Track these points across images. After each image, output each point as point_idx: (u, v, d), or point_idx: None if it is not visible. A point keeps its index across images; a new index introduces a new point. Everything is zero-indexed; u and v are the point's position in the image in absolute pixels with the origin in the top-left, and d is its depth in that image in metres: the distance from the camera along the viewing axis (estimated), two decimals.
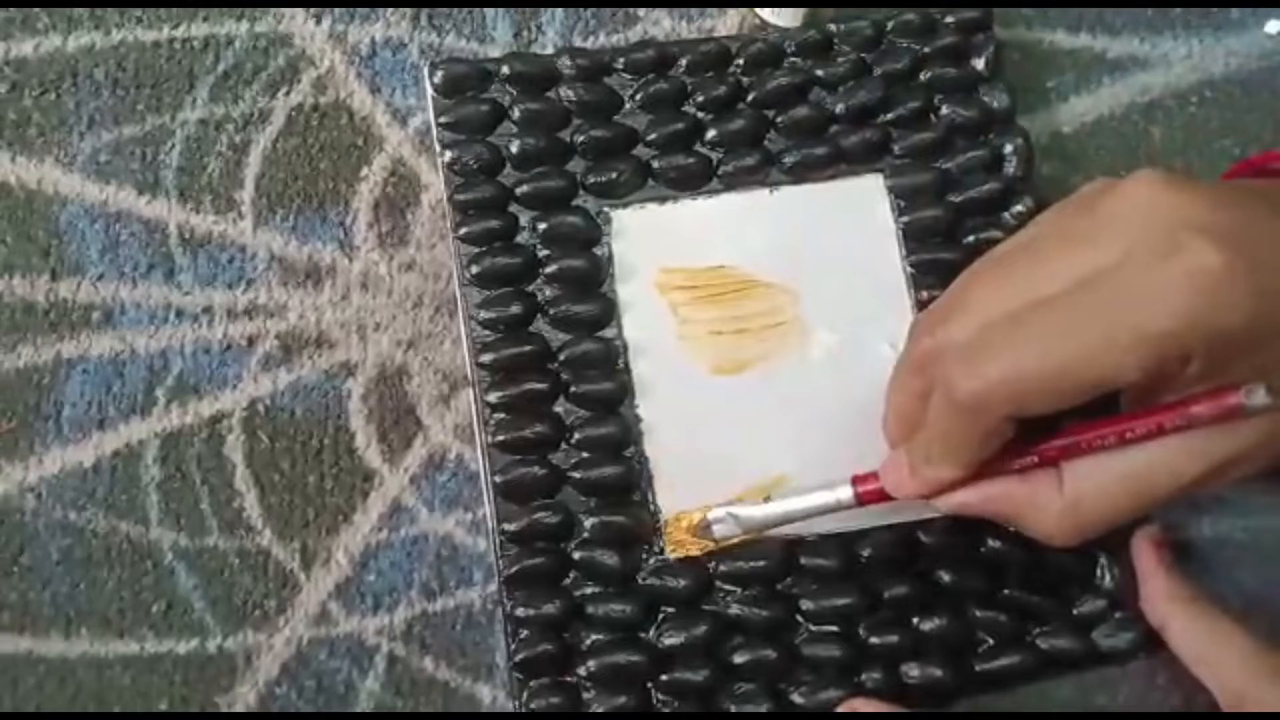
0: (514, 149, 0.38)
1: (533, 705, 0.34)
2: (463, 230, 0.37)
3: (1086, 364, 0.27)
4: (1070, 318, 0.27)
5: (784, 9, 0.41)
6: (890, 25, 0.41)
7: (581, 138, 0.38)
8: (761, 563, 0.35)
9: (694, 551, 0.35)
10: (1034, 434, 0.30)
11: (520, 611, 0.34)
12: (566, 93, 0.39)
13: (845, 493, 0.33)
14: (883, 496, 0.33)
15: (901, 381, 0.32)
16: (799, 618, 0.35)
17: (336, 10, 0.40)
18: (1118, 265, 0.27)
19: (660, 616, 0.35)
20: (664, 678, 0.34)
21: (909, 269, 0.38)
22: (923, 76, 0.40)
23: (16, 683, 0.34)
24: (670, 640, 0.34)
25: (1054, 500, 0.30)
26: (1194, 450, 0.29)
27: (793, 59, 0.40)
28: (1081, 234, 0.28)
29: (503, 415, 0.36)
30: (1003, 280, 0.29)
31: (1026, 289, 0.28)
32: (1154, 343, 0.26)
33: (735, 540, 0.35)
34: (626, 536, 0.35)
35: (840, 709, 0.34)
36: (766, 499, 0.34)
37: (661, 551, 0.35)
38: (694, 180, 0.39)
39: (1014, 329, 0.28)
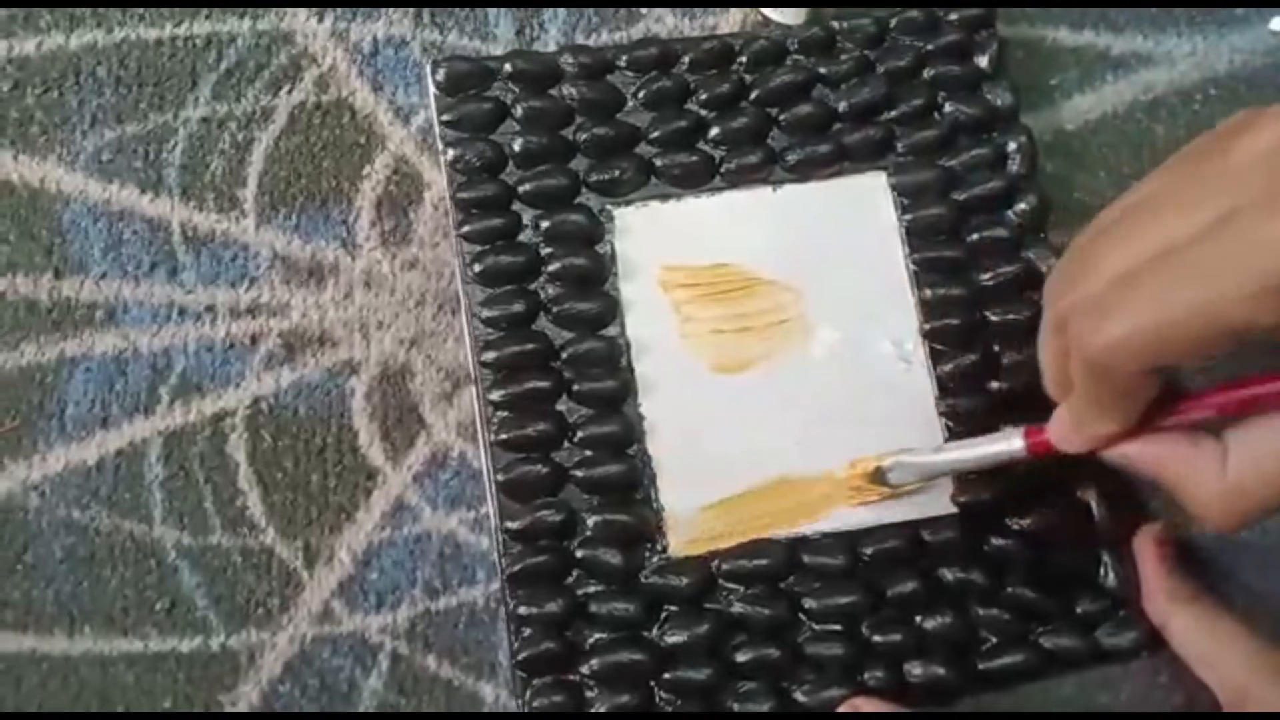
0: (516, 147, 0.38)
1: (535, 703, 0.34)
2: (465, 228, 0.37)
3: (1213, 312, 0.25)
4: (1195, 264, 0.26)
5: (787, 8, 0.40)
6: (893, 23, 0.41)
7: (584, 136, 0.38)
8: (764, 561, 0.35)
9: (870, 498, 0.36)
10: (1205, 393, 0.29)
11: (523, 610, 0.34)
12: (569, 91, 0.39)
13: (1017, 443, 0.32)
14: (1053, 448, 0.32)
15: (1046, 343, 0.31)
16: (802, 616, 0.35)
17: (338, 8, 0.40)
18: (1247, 209, 0.26)
19: (663, 615, 0.35)
20: (667, 676, 0.34)
21: (912, 267, 0.38)
22: (926, 74, 0.40)
23: (20, 681, 0.34)
24: (673, 639, 0.34)
25: (1216, 475, 0.29)
26: None
27: (796, 56, 0.40)
28: (1210, 177, 0.27)
29: (505, 413, 0.36)
30: (1131, 230, 0.28)
31: (1154, 237, 0.27)
32: None
33: (909, 488, 0.35)
34: (629, 535, 0.35)
35: (843, 708, 0.34)
36: (937, 449, 0.35)
37: (665, 549, 0.35)
38: (697, 178, 0.39)
39: (1139, 281, 0.27)
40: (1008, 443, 0.33)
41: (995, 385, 0.37)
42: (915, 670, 0.35)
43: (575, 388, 0.36)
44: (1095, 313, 0.28)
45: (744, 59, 0.40)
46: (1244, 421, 0.29)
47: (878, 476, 0.35)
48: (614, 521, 0.35)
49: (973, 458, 0.34)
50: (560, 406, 0.36)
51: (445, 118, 0.38)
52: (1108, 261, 0.28)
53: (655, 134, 0.39)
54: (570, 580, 0.35)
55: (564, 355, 0.36)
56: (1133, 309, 0.27)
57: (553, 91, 0.39)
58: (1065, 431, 0.31)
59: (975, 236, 0.39)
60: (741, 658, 0.34)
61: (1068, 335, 0.29)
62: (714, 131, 0.39)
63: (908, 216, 0.39)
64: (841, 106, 0.40)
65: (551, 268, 0.37)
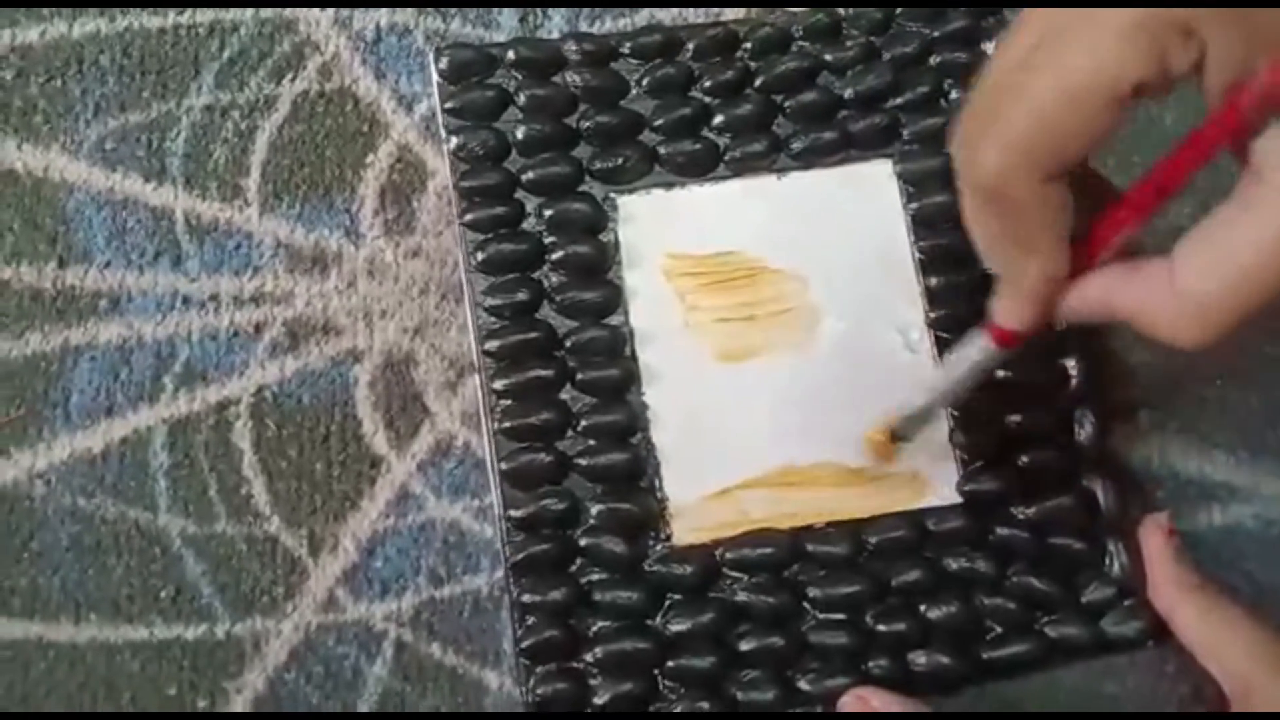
0: (520, 135, 0.38)
1: (539, 691, 0.34)
2: (469, 217, 0.37)
3: (1081, 79, 0.25)
4: (1051, 51, 0.26)
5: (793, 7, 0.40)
6: (899, 9, 0.40)
7: (587, 123, 0.38)
8: (769, 550, 0.35)
9: (889, 465, 0.36)
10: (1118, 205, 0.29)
11: (527, 598, 0.34)
12: (572, 78, 0.38)
13: (981, 341, 0.32)
14: (1010, 334, 0.31)
15: (965, 214, 0.30)
16: (806, 605, 0.35)
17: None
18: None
19: (667, 603, 0.35)
20: (670, 664, 0.34)
21: (918, 255, 0.38)
22: (932, 61, 0.40)
23: (27, 668, 0.34)
24: (677, 627, 0.34)
25: (1166, 288, 0.28)
26: None
27: (801, 43, 0.40)
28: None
29: (509, 402, 0.36)
30: (989, 67, 0.28)
31: (1010, 54, 0.27)
32: (1139, 26, 0.25)
33: (923, 432, 0.35)
34: (633, 523, 0.35)
35: (846, 697, 0.34)
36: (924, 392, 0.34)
37: (669, 538, 0.35)
38: (701, 166, 0.38)
39: (1002, 92, 0.27)
40: (974, 346, 0.32)
41: (1001, 374, 0.37)
42: (919, 659, 0.35)
43: (579, 376, 0.36)
44: (972, 141, 0.27)
45: (748, 46, 0.40)
46: (1185, 234, 0.28)
47: (895, 438, 0.35)
48: (617, 510, 0.35)
49: (955, 376, 0.33)
50: (564, 395, 0.36)
51: (448, 106, 0.38)
52: (973, 101, 0.28)
53: (659, 122, 0.38)
54: (574, 569, 0.35)
55: (567, 344, 0.36)
56: (1007, 111, 0.26)
57: (556, 79, 0.39)
58: (1011, 305, 0.30)
59: None
60: (745, 646, 0.34)
61: (963, 179, 0.28)
62: (718, 119, 0.39)
63: (914, 205, 0.39)
64: (847, 94, 0.39)
65: (555, 256, 0.37)
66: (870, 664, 0.34)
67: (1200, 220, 0.27)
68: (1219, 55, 0.25)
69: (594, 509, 0.35)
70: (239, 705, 0.34)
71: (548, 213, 0.37)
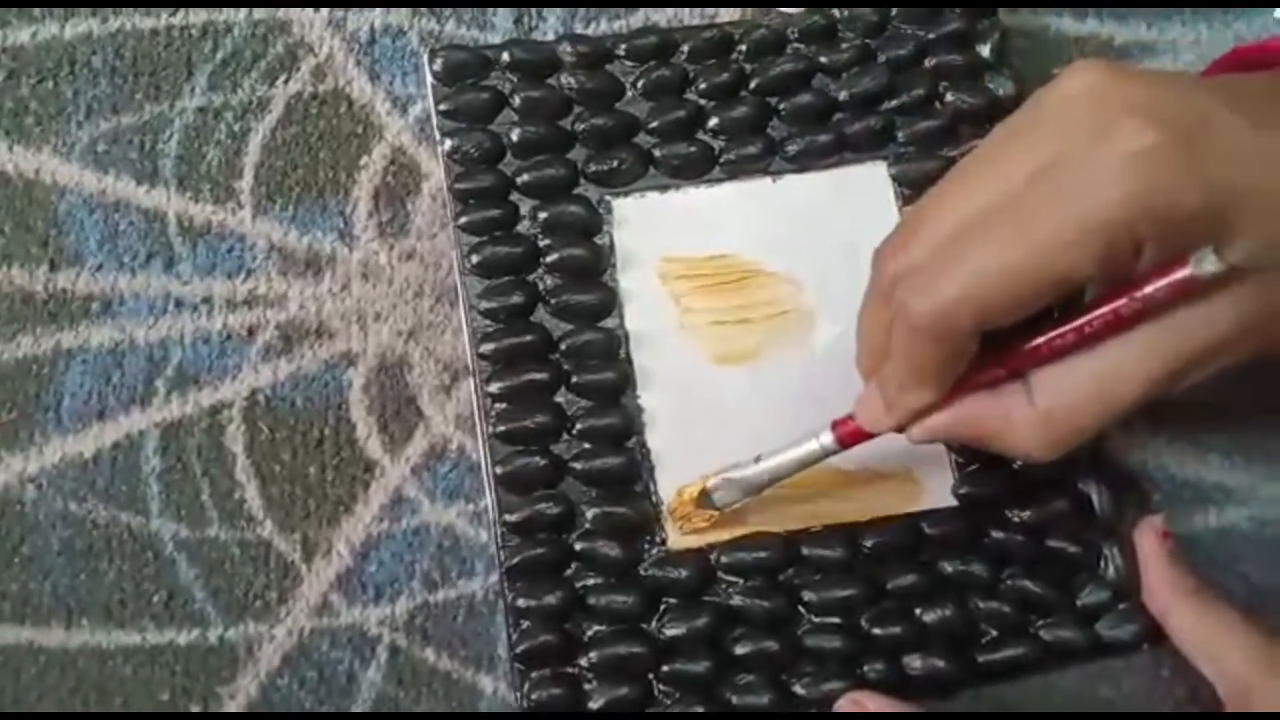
0: (514, 137, 0.38)
1: (534, 696, 0.34)
2: (463, 219, 0.37)
3: (1036, 265, 0.26)
4: (1016, 220, 0.26)
5: (792, 8, 0.40)
6: (894, 11, 0.40)
7: (582, 126, 0.38)
8: (763, 554, 0.35)
9: (701, 525, 0.35)
10: (1003, 347, 0.29)
11: (521, 602, 0.34)
12: (567, 80, 0.38)
13: (826, 438, 0.33)
14: (862, 435, 0.32)
15: (867, 312, 0.31)
16: (801, 609, 0.35)
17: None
18: (1059, 157, 0.26)
19: (662, 608, 0.35)
20: (665, 669, 0.34)
21: None
22: (927, 63, 0.40)
23: (18, 673, 0.34)
24: (672, 631, 0.34)
25: (1026, 415, 0.29)
26: (1161, 344, 0.27)
27: (796, 45, 0.40)
28: (1025, 131, 0.28)
29: (504, 405, 0.36)
30: (955, 193, 0.28)
31: (978, 198, 0.27)
32: (1100, 232, 0.25)
33: (736, 505, 0.35)
34: (628, 527, 0.35)
35: (842, 701, 0.34)
36: (757, 459, 0.34)
37: (664, 542, 0.35)
38: (696, 168, 0.38)
39: (964, 242, 0.27)
40: (818, 441, 0.33)
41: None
42: (915, 663, 0.34)
43: (574, 379, 0.36)
44: (924, 276, 0.28)
45: (744, 48, 0.40)
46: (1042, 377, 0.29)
47: (704, 501, 0.35)
48: (613, 514, 0.35)
49: (788, 461, 0.34)
50: (559, 398, 0.36)
51: (443, 107, 0.38)
52: (933, 226, 0.28)
53: (654, 124, 0.38)
54: (569, 573, 0.35)
55: (562, 347, 0.36)
56: (959, 271, 0.27)
57: (551, 81, 0.38)
58: (876, 411, 0.31)
59: None
60: (741, 650, 0.34)
61: (892, 303, 0.29)
62: (713, 121, 0.39)
63: (909, 207, 0.39)
64: (842, 96, 0.39)
65: (550, 259, 0.37)
66: (865, 668, 0.34)
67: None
68: (1152, 256, 0.26)
69: (589, 513, 0.35)
70: (232, 711, 0.34)
71: (542, 215, 0.37)
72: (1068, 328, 0.28)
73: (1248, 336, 0.27)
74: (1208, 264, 0.25)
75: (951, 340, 0.28)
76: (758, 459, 0.34)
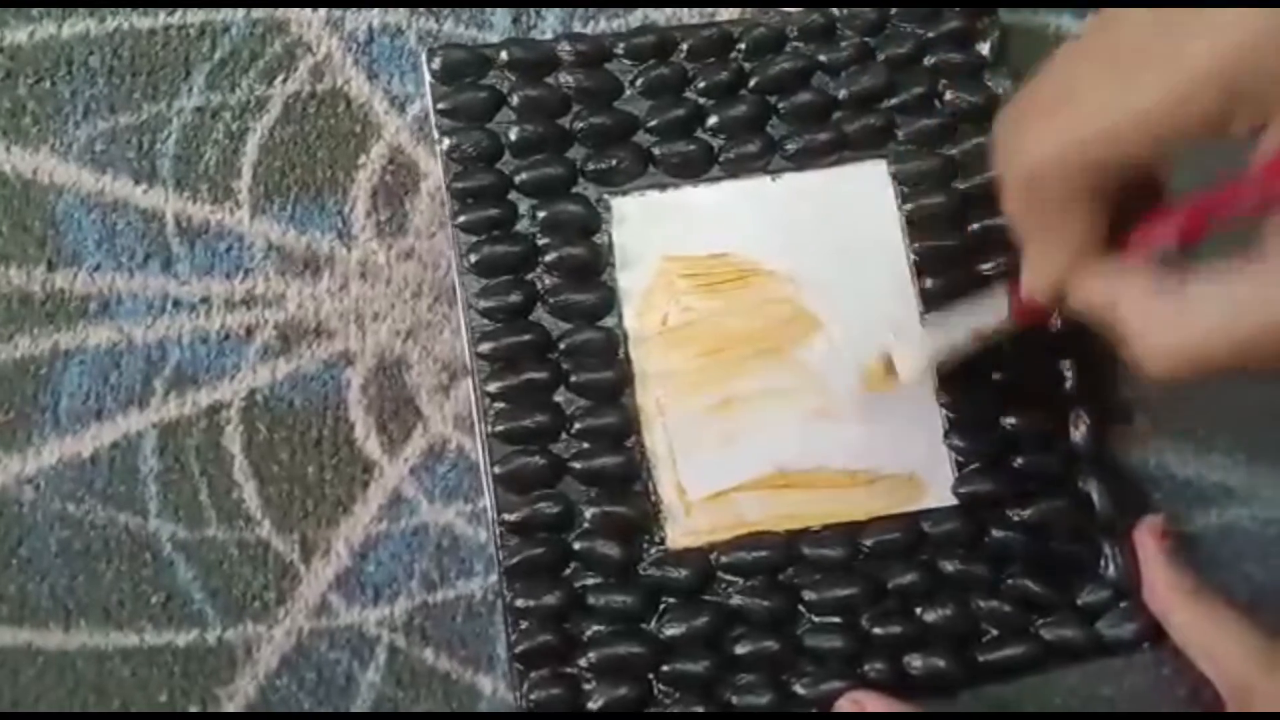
0: (513, 136, 0.38)
1: (533, 696, 0.33)
2: (461, 218, 0.37)
3: (1138, 113, 0.26)
4: (1122, 71, 0.26)
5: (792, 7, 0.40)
6: (894, 9, 0.40)
7: (581, 124, 0.38)
8: (763, 553, 0.35)
9: (888, 389, 0.35)
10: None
11: (521, 602, 0.34)
12: (566, 79, 0.38)
13: (1001, 305, 0.32)
14: (1034, 307, 0.31)
15: (1004, 196, 0.30)
16: (801, 608, 0.35)
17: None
18: (1171, 13, 0.26)
19: (661, 607, 0.35)
20: (665, 668, 0.34)
21: (913, 256, 0.38)
22: (927, 62, 0.40)
23: (16, 675, 0.34)
24: (671, 631, 0.34)
25: (1171, 317, 0.27)
26: None
27: (795, 44, 0.40)
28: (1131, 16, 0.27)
29: (502, 405, 0.35)
30: (1068, 51, 0.28)
31: (1091, 51, 0.27)
32: (1218, 76, 0.25)
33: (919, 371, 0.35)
34: (627, 527, 0.35)
35: (842, 700, 0.33)
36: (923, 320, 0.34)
37: (663, 541, 0.35)
38: (695, 167, 0.38)
39: (1053, 101, 0.27)
40: (989, 312, 0.33)
41: (996, 376, 0.37)
42: (915, 662, 0.34)
43: (573, 379, 0.36)
44: (1026, 123, 0.28)
45: (743, 46, 0.39)
46: (1209, 272, 0.27)
47: (890, 372, 0.35)
48: (612, 513, 0.35)
49: (959, 335, 0.33)
50: (558, 398, 0.36)
51: (441, 106, 0.38)
52: (1041, 90, 0.28)
53: (653, 123, 0.38)
54: (568, 572, 0.35)
55: (561, 346, 0.36)
56: (1067, 112, 0.27)
57: (549, 80, 0.38)
58: (1028, 277, 0.30)
59: (976, 226, 0.39)
60: (740, 650, 0.34)
61: (1014, 159, 0.29)
62: (712, 120, 0.39)
63: (908, 206, 0.38)
64: (841, 94, 0.39)
65: (548, 258, 0.37)
66: (866, 667, 0.34)
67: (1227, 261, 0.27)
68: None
69: (588, 512, 0.35)
70: (231, 711, 0.34)
71: (541, 214, 0.37)
72: (1233, 193, 0.27)
73: None
74: None
75: (1066, 188, 0.28)
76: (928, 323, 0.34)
